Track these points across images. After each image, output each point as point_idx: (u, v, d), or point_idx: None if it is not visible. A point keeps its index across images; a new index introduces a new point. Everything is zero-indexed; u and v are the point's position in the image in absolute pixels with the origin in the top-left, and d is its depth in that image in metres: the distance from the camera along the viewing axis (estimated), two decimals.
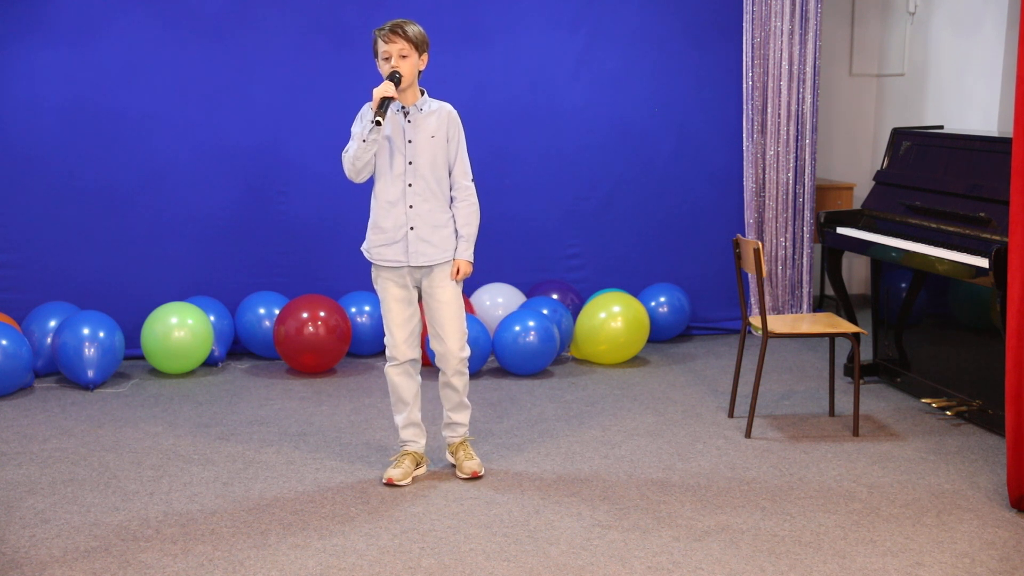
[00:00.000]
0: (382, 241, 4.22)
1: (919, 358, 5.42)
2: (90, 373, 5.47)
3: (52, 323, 5.69)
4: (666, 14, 6.52)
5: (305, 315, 5.72)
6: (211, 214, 6.19)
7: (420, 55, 4.14)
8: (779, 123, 6.46)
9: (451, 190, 4.26)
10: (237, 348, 6.18)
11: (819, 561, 3.64)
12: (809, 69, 6.42)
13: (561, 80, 6.47)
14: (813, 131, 6.49)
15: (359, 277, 6.35)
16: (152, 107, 6.05)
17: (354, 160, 4.14)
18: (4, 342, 5.31)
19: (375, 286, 4.32)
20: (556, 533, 3.84)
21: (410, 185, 4.17)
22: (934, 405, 5.12)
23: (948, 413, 5.01)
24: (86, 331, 5.48)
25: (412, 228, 4.18)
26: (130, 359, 6.00)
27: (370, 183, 4.28)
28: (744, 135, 6.50)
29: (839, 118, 7.43)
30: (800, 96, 6.45)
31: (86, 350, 5.46)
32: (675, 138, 6.62)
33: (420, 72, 4.18)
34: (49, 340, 5.64)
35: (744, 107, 6.47)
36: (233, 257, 6.25)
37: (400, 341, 4.28)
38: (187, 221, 6.17)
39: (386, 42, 4.09)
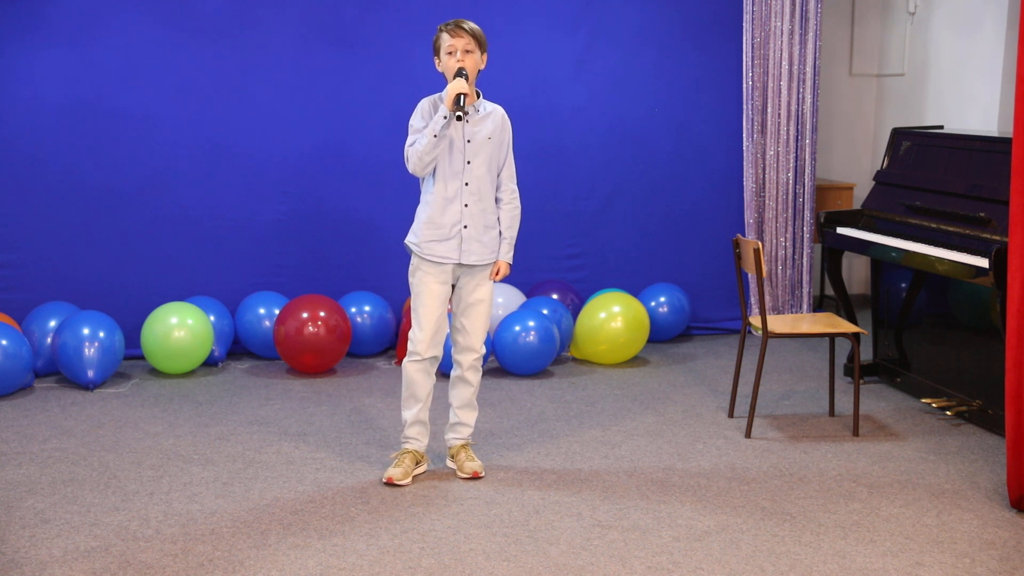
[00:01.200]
0: (436, 237, 4.25)
1: (919, 358, 5.42)
2: (90, 373, 5.47)
3: (52, 323, 5.69)
4: (666, 14, 6.52)
5: (305, 315, 5.72)
6: (211, 214, 6.19)
7: (482, 53, 4.22)
8: (779, 123, 6.46)
9: (497, 191, 4.32)
10: (237, 348, 6.18)
11: (819, 561, 3.64)
12: (809, 69, 6.42)
13: (561, 80, 6.47)
14: (813, 131, 6.49)
15: (359, 277, 6.37)
16: (152, 107, 6.05)
17: (423, 155, 4.16)
18: (4, 342, 5.31)
19: (411, 279, 4.33)
20: (556, 533, 3.84)
21: (467, 184, 4.22)
22: (934, 405, 5.12)
23: (948, 413, 5.01)
24: (86, 331, 5.48)
25: (466, 227, 4.23)
26: (130, 359, 6.00)
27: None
28: (744, 135, 6.50)
29: (839, 118, 7.44)
30: (800, 96, 6.45)
31: (86, 350, 5.46)
32: (675, 138, 6.62)
33: (479, 71, 4.24)
34: (49, 340, 5.64)
35: (744, 107, 6.47)
36: (233, 257, 6.24)
37: (428, 336, 4.29)
38: (187, 221, 6.17)
39: (452, 36, 4.16)
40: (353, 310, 6.04)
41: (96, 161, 6.04)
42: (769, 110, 6.46)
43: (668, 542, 3.77)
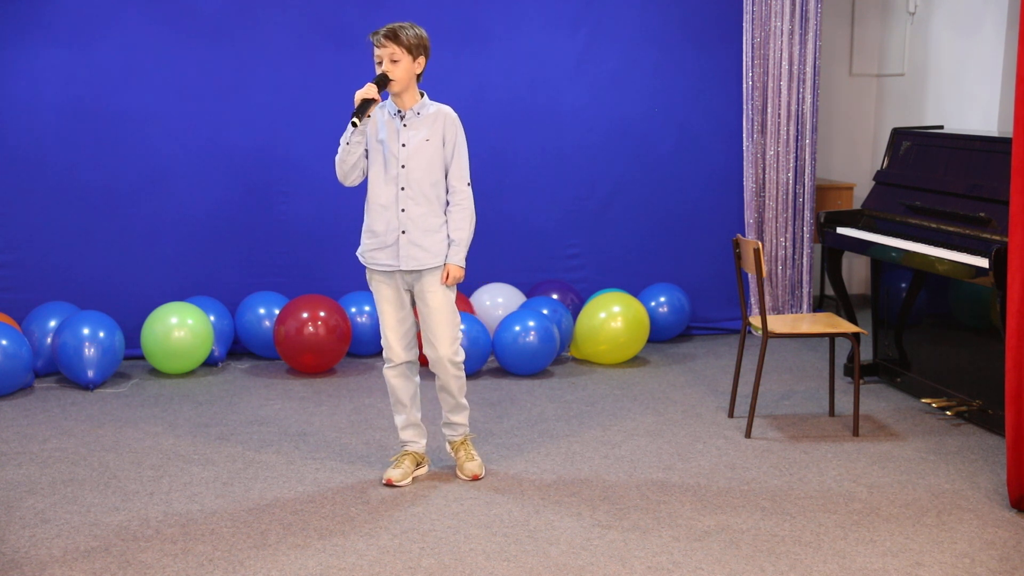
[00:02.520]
0: (374, 245, 4.21)
1: (919, 358, 5.42)
2: (90, 373, 5.47)
3: (52, 323, 5.69)
4: (666, 14, 6.52)
5: (305, 315, 5.72)
6: (211, 214, 6.19)
7: (415, 58, 4.10)
8: (779, 123, 6.46)
9: (447, 194, 4.22)
10: (237, 348, 6.18)
11: (819, 561, 3.64)
12: (809, 69, 6.42)
13: (561, 80, 6.47)
14: (813, 131, 6.49)
15: (359, 277, 6.31)
16: (152, 107, 6.05)
17: (340, 163, 4.16)
18: (4, 342, 5.31)
19: (370, 288, 4.33)
20: (556, 533, 3.84)
21: (403, 189, 4.15)
22: (934, 405, 5.12)
23: (948, 413, 5.01)
24: (86, 331, 5.48)
25: (404, 232, 4.16)
26: (130, 359, 6.00)
27: (364, 186, 4.28)
28: (744, 135, 6.50)
29: (839, 118, 7.44)
30: (800, 96, 6.45)
31: (86, 350, 5.46)
32: (675, 138, 6.62)
33: (419, 75, 4.16)
34: (49, 340, 5.64)
35: (744, 107, 6.47)
36: (233, 257, 6.25)
37: (394, 343, 4.26)
38: (187, 221, 6.17)
39: (377, 47, 4.08)
40: (353, 310, 6.04)
41: (96, 161, 6.04)
42: (769, 110, 6.45)
43: (668, 542, 3.78)
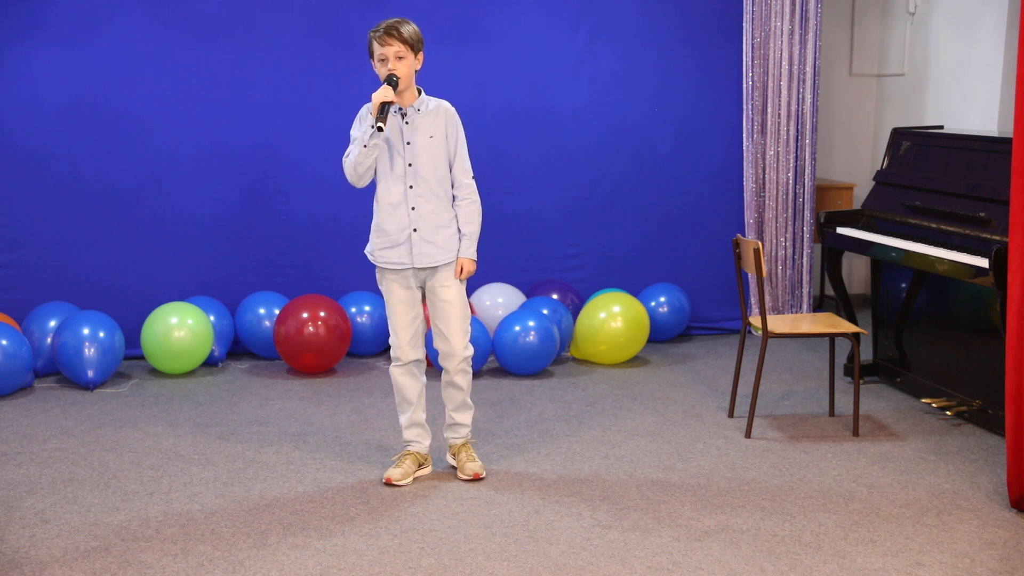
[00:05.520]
0: (385, 244, 4.21)
1: (919, 358, 5.42)
2: (90, 373, 5.47)
3: (52, 323, 5.69)
4: (666, 14, 6.52)
5: (305, 315, 5.72)
6: (211, 214, 6.19)
7: (416, 55, 4.10)
8: (779, 123, 6.46)
9: (452, 188, 4.24)
10: (237, 348, 6.18)
11: (819, 561, 3.64)
12: (809, 69, 6.42)
13: (561, 80, 6.47)
14: (813, 131, 6.49)
15: (359, 277, 6.35)
16: (152, 107, 6.05)
17: (355, 166, 4.13)
18: (4, 342, 5.31)
19: (379, 287, 4.32)
20: (556, 533, 3.84)
21: (411, 187, 4.16)
22: (934, 405, 5.12)
23: (948, 413, 5.01)
24: (86, 331, 5.48)
25: (415, 230, 4.17)
26: (130, 359, 6.00)
27: (371, 186, 4.27)
28: (744, 135, 6.50)
29: (839, 118, 7.44)
30: (800, 96, 6.45)
31: (86, 350, 5.46)
32: (675, 138, 6.62)
33: (416, 72, 4.16)
34: (49, 340, 5.64)
35: (744, 107, 6.47)
36: (233, 257, 6.25)
37: (404, 342, 4.27)
38: (187, 221, 6.17)
39: (381, 44, 4.06)
40: (353, 310, 6.04)
41: (96, 161, 6.04)
42: (769, 110, 6.45)
43: (668, 542, 3.78)
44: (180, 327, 5.65)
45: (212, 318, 5.89)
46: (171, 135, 6.10)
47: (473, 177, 4.27)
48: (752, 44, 6.39)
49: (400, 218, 4.17)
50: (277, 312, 5.95)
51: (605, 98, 6.53)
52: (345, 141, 4.23)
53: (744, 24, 6.39)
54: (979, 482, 4.31)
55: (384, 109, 3.98)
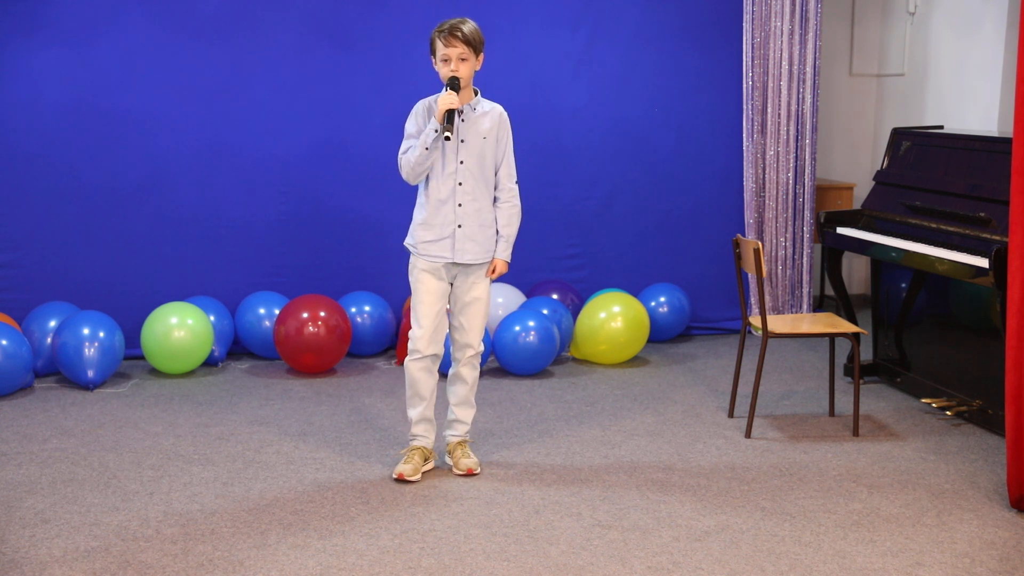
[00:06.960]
0: (431, 237, 4.25)
1: (919, 358, 5.42)
2: (90, 373, 5.47)
3: (52, 323, 5.69)
4: (666, 14, 6.52)
5: (305, 315, 5.72)
6: (211, 214, 6.19)
7: (477, 56, 4.17)
8: (779, 123, 6.46)
9: (495, 190, 4.31)
10: (237, 348, 6.18)
11: (819, 561, 3.64)
12: (809, 69, 6.42)
13: (561, 80, 6.47)
14: (813, 131, 6.49)
15: (359, 277, 6.37)
16: (152, 107, 6.05)
17: (415, 166, 4.18)
18: (4, 342, 5.31)
19: (410, 277, 4.35)
20: (556, 533, 3.84)
21: (460, 184, 4.22)
22: (934, 405, 5.12)
23: (948, 413, 5.01)
24: (86, 331, 5.48)
25: (460, 226, 4.23)
26: (130, 359, 6.00)
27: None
28: (744, 135, 6.50)
29: (839, 118, 7.44)
30: (800, 96, 6.45)
31: (86, 350, 5.46)
32: (675, 138, 6.62)
33: (475, 72, 4.21)
34: (49, 340, 5.64)
35: (744, 107, 6.47)
36: (233, 257, 6.24)
37: (427, 334, 4.29)
38: (187, 221, 6.16)
39: (446, 45, 4.11)
40: (353, 310, 6.04)
41: (96, 161, 6.04)
42: (769, 110, 6.46)
43: (668, 542, 3.78)
44: (180, 327, 5.65)
45: (212, 318, 5.89)
46: (171, 135, 6.09)
47: (517, 182, 4.35)
48: (752, 44, 6.39)
49: (447, 213, 4.23)
50: (277, 312, 5.94)
51: (605, 98, 6.53)
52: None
53: (744, 24, 6.39)
54: (979, 482, 4.31)
55: (451, 116, 4.03)
